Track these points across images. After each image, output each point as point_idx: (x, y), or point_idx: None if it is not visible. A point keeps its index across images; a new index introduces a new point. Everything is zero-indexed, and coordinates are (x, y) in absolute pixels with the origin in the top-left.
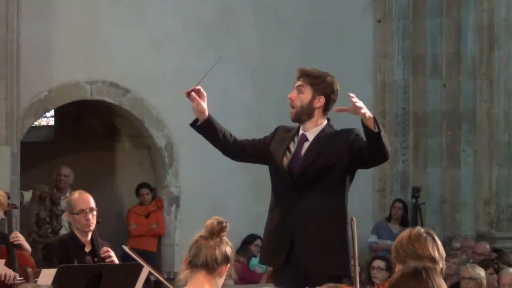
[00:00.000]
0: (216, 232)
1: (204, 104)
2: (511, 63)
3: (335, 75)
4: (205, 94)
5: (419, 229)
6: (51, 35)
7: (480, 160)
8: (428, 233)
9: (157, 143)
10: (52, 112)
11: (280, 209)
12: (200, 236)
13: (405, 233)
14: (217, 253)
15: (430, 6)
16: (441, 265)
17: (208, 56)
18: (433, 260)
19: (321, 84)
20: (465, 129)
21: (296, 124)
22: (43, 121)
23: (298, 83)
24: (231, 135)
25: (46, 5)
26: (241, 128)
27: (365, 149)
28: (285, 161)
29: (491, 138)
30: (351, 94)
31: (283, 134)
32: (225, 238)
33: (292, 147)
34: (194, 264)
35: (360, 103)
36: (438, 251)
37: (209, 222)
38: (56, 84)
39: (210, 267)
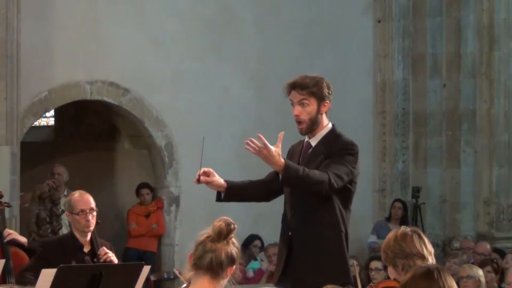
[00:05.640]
0: (223, 235)
1: (217, 179)
2: (511, 63)
3: (333, 75)
4: (211, 170)
5: (404, 228)
6: (51, 35)
7: (480, 160)
8: (413, 231)
9: (157, 143)
10: (52, 112)
11: (283, 219)
12: (207, 237)
13: (391, 234)
14: (223, 257)
15: (430, 6)
16: (430, 260)
17: (208, 56)
18: (422, 257)
19: (321, 89)
20: (465, 129)
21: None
22: (43, 121)
23: (299, 97)
24: (258, 182)
25: (46, 5)
26: (241, 128)
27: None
28: None
29: (491, 138)
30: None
31: (295, 148)
32: (232, 239)
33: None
34: (198, 266)
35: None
36: (425, 247)
37: (217, 223)
38: (56, 84)
39: (215, 271)
